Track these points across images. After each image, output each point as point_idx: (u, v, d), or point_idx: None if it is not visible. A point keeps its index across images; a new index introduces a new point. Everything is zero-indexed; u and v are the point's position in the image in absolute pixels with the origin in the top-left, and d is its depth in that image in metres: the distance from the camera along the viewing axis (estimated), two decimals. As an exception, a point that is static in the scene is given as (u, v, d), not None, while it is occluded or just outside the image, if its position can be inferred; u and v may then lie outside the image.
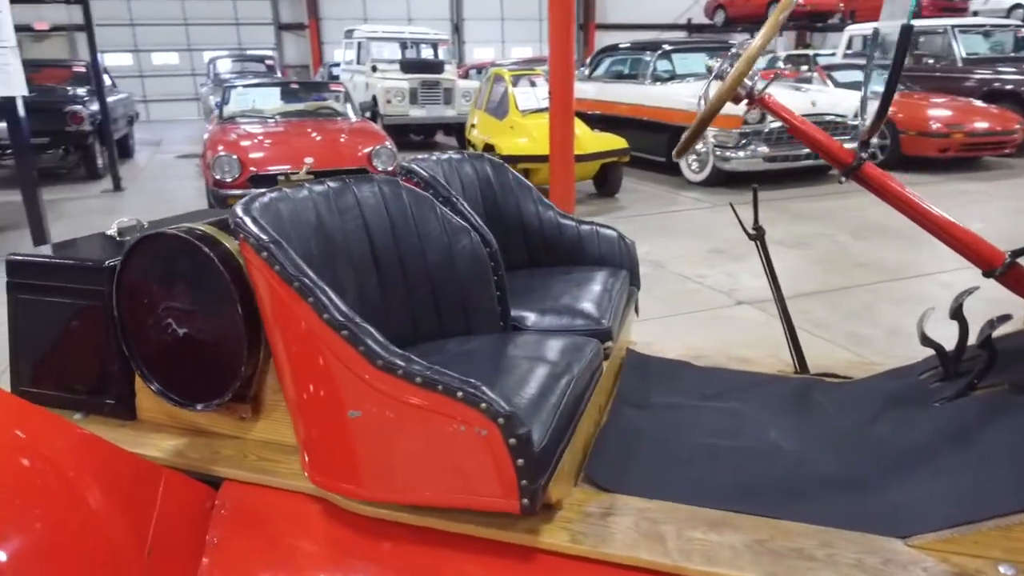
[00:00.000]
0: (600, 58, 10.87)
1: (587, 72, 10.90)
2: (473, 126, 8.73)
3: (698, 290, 5.07)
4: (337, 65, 15.28)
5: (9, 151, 9.78)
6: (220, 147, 6.41)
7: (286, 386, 1.32)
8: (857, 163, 1.70)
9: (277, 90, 7.95)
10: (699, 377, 2.00)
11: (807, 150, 8.00)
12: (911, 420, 1.66)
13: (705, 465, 1.53)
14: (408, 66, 12.04)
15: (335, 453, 1.29)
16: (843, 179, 1.73)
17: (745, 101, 1.74)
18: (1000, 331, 1.59)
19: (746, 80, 1.75)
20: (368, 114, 12.84)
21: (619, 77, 10.32)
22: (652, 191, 8.49)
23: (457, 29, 21.76)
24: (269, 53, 16.94)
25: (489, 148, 7.98)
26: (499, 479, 1.15)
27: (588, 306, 1.86)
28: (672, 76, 9.48)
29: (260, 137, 6.74)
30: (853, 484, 1.46)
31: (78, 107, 9.45)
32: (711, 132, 8.15)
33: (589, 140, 7.54)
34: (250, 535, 1.46)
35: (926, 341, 1.69)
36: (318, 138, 6.83)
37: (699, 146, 8.48)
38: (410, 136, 12.98)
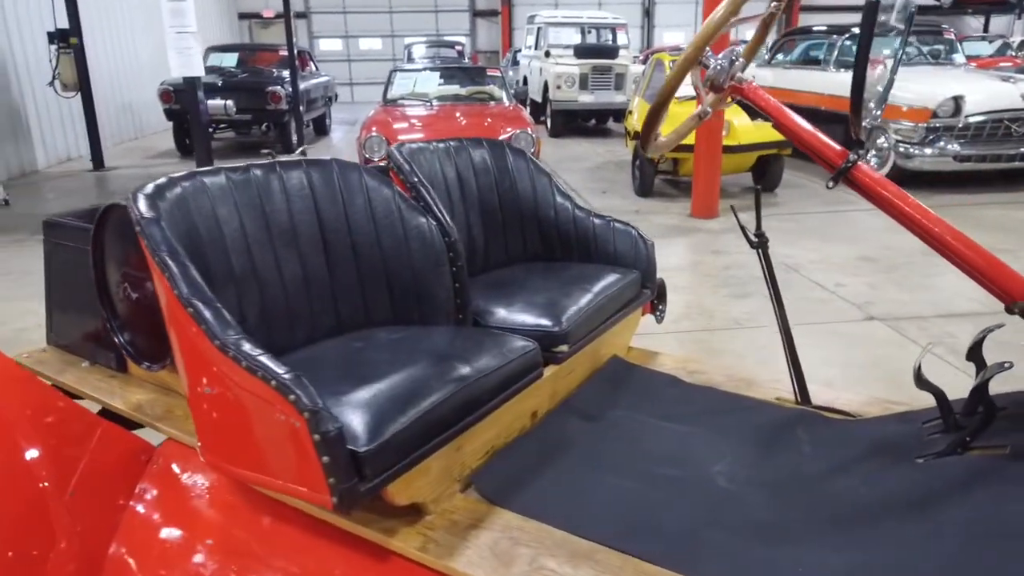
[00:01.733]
0: (782, 42, 10.12)
1: (767, 57, 10.20)
2: (631, 113, 8.53)
3: (828, 300, 4.60)
4: (519, 51, 15.59)
5: (222, 126, 11.13)
6: (373, 128, 6.82)
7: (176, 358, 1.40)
8: (847, 165, 1.45)
9: (437, 74, 8.28)
10: (678, 395, 1.82)
11: (1015, 150, 6.93)
12: (883, 473, 1.41)
13: (613, 492, 1.40)
14: (581, 51, 11.99)
15: (202, 424, 1.34)
16: (830, 183, 1.49)
17: (710, 89, 1.55)
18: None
19: (720, 62, 1.55)
20: (537, 99, 12.95)
21: (801, 63, 9.55)
22: (818, 188, 7.79)
23: (648, 13, 21.24)
24: (460, 39, 17.67)
25: (638, 136, 7.77)
26: (311, 472, 1.14)
27: (553, 307, 1.76)
28: (859, 62, 8.59)
29: (412, 120, 7.08)
30: (770, 538, 1.26)
31: (277, 87, 10.47)
32: (893, 126, 7.31)
33: (745, 130, 7.07)
34: (171, 492, 1.56)
35: (922, 384, 1.42)
36: (463, 121, 7.03)
37: (880, 140, 7.64)
38: (579, 121, 12.94)
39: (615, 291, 1.95)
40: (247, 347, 1.18)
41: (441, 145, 2.14)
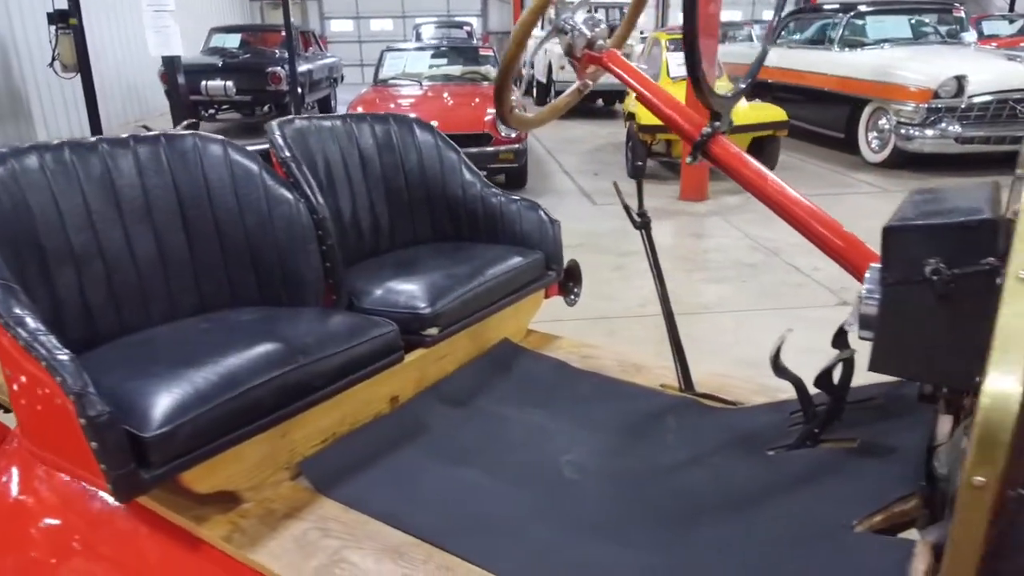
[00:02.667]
0: (788, 21, 9.86)
1: (773, 37, 9.95)
2: (628, 93, 8.38)
3: (803, 284, 4.47)
4: (528, 30, 15.38)
5: (224, 107, 11.14)
6: (359, 108, 6.76)
7: None
8: (704, 137, 1.37)
9: (428, 54, 8.17)
10: (559, 381, 1.75)
11: (1021, 132, 6.69)
12: (735, 466, 1.33)
13: (448, 483, 1.34)
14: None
15: (15, 406, 1.30)
16: (691, 159, 1.40)
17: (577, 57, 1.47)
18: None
19: (583, 30, 1.47)
20: (542, 80, 12.80)
21: (806, 43, 9.30)
22: (818, 170, 7.59)
23: (671, -10, 20.83)
24: (471, 20, 17.49)
25: (632, 116, 7.62)
26: (86, 457, 1.09)
27: (426, 288, 1.70)
28: (864, 42, 8.34)
29: (399, 99, 7.00)
30: (591, 535, 1.19)
31: (277, 68, 10.43)
32: (893, 106, 7.08)
33: (740, 110, 6.89)
34: (23, 473, 1.53)
35: (780, 371, 1.33)
36: (450, 102, 6.94)
37: (882, 121, 7.43)
38: (584, 102, 12.74)
39: (509, 274, 1.88)
40: (31, 324, 1.14)
41: (339, 123, 2.07)
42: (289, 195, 1.66)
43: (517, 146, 6.54)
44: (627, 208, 1.71)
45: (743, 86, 1.47)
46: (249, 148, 1.74)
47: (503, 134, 6.54)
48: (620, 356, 1.88)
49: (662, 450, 1.45)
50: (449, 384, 1.69)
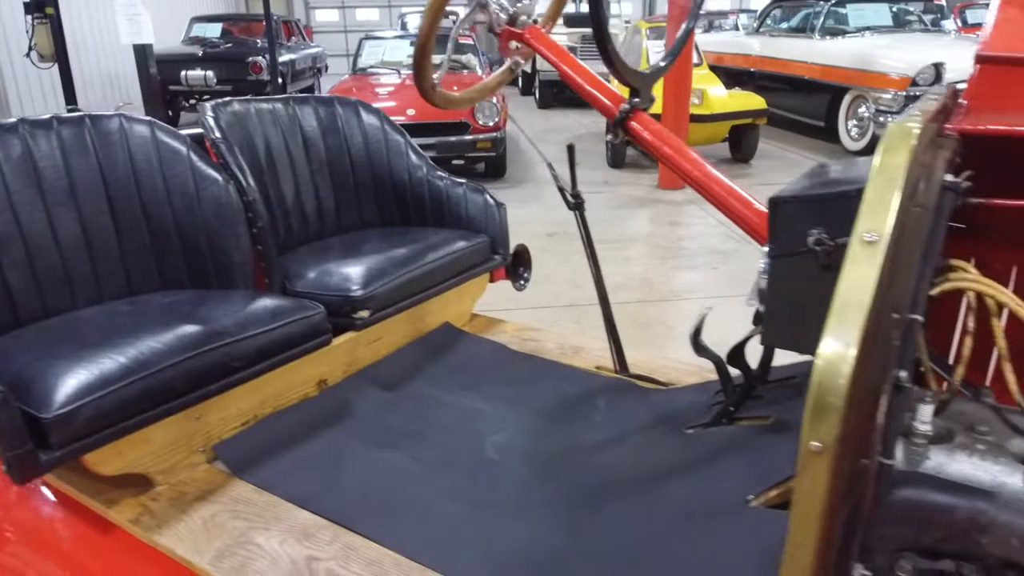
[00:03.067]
0: (771, 8, 9.84)
1: (755, 25, 9.93)
2: (610, 81, 8.35)
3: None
4: (514, 20, 15.30)
5: (205, 97, 11.04)
6: (335, 97, 6.71)
7: None
8: (623, 114, 1.35)
9: (407, 43, 8.12)
10: (497, 364, 1.74)
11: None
12: (655, 445, 1.32)
13: (367, 466, 1.33)
14: (570, 20, 11.72)
15: None
16: (609, 136, 1.39)
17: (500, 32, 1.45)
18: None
19: (504, 5, 1.45)
20: (527, 70, 12.75)
21: (788, 31, 9.28)
22: (797, 158, 7.59)
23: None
24: (456, 10, 17.36)
25: (612, 105, 7.59)
26: None
27: (358, 271, 1.68)
28: (846, 30, 8.33)
29: (376, 89, 6.95)
30: (502, 515, 1.19)
31: (258, 58, 10.35)
32: (872, 94, 7.08)
33: (719, 99, 6.88)
34: None
35: (700, 351, 1.32)
36: (428, 90, 6.88)
37: (861, 109, 7.43)
38: (569, 92, 12.71)
39: (450, 257, 1.86)
40: None
41: (280, 105, 2.04)
42: (217, 176, 1.64)
43: (495, 135, 6.51)
44: (562, 190, 1.69)
45: (663, 64, 1.45)
46: (184, 132, 1.72)
47: (481, 123, 6.51)
48: (561, 339, 1.87)
49: (588, 430, 1.44)
50: (382, 367, 1.67)
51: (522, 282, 2.19)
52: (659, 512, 1.08)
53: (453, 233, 1.99)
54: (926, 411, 0.88)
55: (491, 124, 6.46)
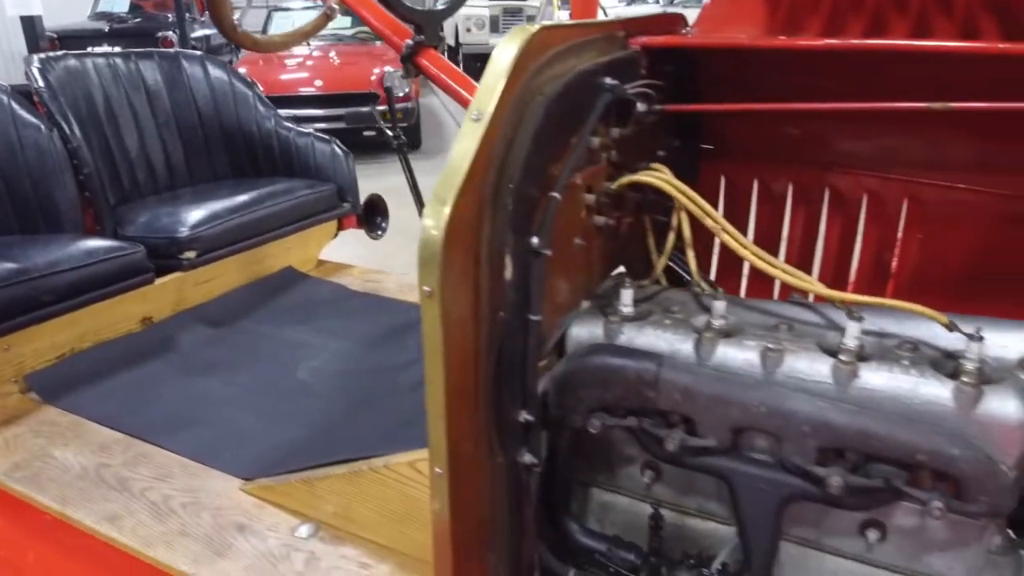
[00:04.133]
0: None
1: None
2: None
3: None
4: (438, -7, 15.18)
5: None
6: (242, 68, 6.61)
7: None
8: (408, 50, 1.43)
9: (315, 14, 8.01)
10: (332, 302, 1.82)
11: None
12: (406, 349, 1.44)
13: (179, 392, 1.40)
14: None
15: None
16: (402, 73, 1.47)
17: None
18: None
19: None
20: (451, 43, 12.72)
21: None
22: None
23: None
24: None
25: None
26: None
27: (189, 215, 1.73)
28: None
29: (284, 60, 6.87)
30: (293, 421, 1.27)
31: (168, 33, 10.05)
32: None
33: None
34: None
35: None
36: (337, 62, 6.85)
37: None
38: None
39: (288, 203, 1.92)
40: None
41: (121, 60, 2.06)
42: (37, 121, 1.66)
43: (407, 104, 6.52)
44: (384, 131, 1.77)
45: (444, 7, 1.52)
46: (5, 84, 1.74)
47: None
48: (401, 280, 1.96)
49: (401, 352, 1.53)
50: (212, 306, 1.73)
51: (379, 232, 2.26)
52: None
53: (300, 182, 2.04)
54: (626, 295, 0.99)
55: (401, 95, 6.47)
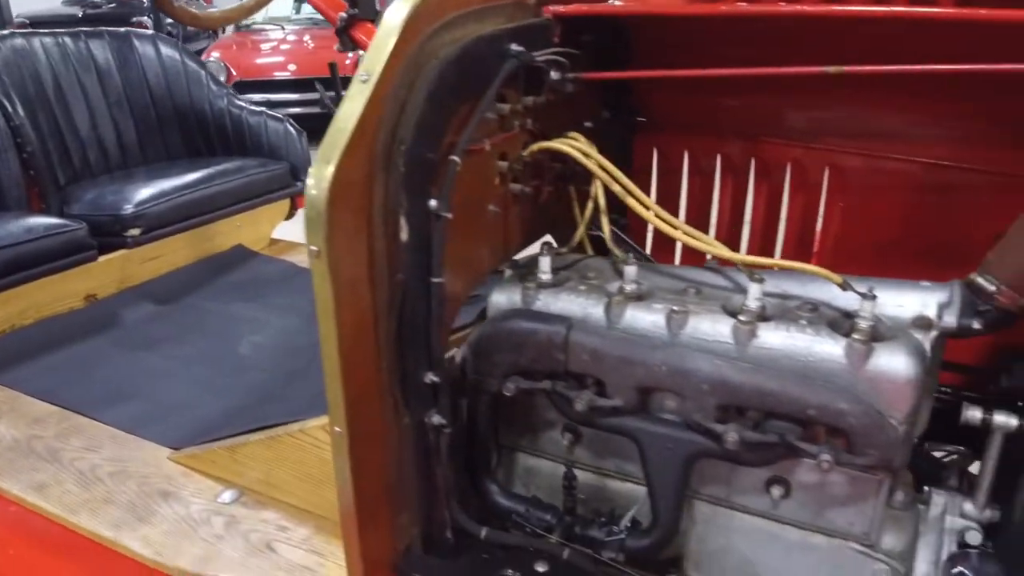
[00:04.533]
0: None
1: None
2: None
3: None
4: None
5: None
6: (213, 53, 6.56)
7: None
8: (344, 23, 1.43)
9: (291, -1, 7.94)
10: (281, 279, 1.83)
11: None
12: None
13: (118, 367, 1.41)
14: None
15: None
16: (338, 46, 1.47)
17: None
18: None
19: None
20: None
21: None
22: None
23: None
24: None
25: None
26: None
27: (135, 193, 1.73)
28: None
29: (259, 45, 6.82)
30: (223, 392, 1.28)
31: (144, 18, 9.94)
32: None
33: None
34: None
35: None
36: (310, 46, 6.80)
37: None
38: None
39: (239, 182, 1.92)
40: None
41: (69, 40, 2.04)
42: None
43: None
44: (327, 106, 1.77)
45: None
46: None
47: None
48: None
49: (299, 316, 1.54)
50: (158, 283, 1.73)
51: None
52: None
53: (252, 160, 2.04)
54: (544, 263, 1.01)
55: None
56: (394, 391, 0.82)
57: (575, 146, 0.98)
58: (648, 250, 1.42)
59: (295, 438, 0.98)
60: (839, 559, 0.92)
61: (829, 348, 0.81)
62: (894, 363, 0.79)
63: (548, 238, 1.15)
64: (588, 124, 1.21)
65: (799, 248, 1.28)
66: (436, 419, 0.86)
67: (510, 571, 0.84)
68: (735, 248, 1.36)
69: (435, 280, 0.80)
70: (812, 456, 0.80)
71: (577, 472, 1.06)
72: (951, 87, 1.02)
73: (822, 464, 0.79)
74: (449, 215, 0.80)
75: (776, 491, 0.91)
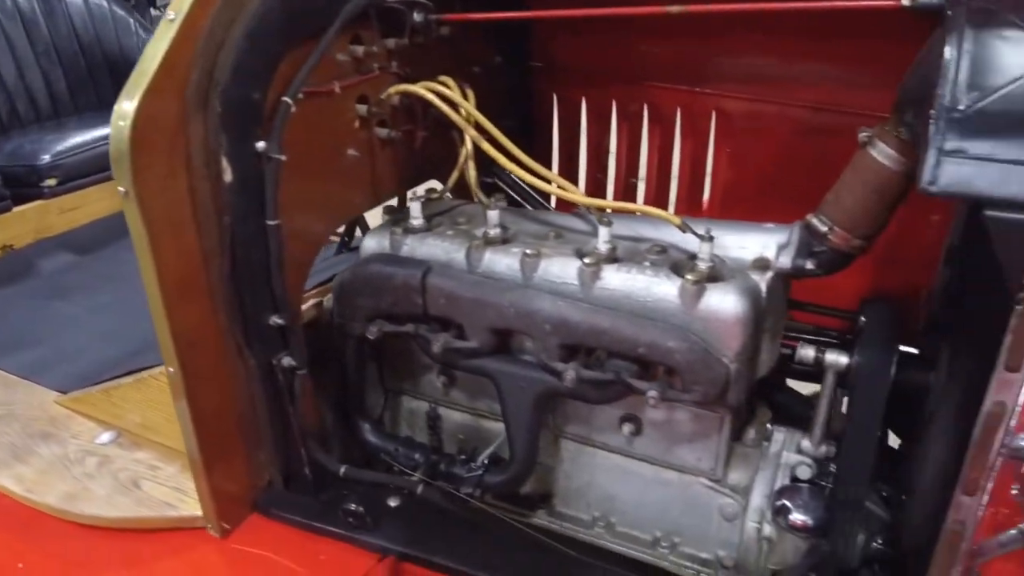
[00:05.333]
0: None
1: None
2: None
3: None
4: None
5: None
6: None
7: None
8: None
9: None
10: None
11: None
12: None
13: (34, 316, 1.42)
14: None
15: None
16: None
17: None
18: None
19: None
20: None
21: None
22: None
23: None
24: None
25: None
26: None
27: (54, 143, 1.73)
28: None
29: None
30: (134, 343, 1.30)
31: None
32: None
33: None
34: None
35: None
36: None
37: None
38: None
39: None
40: None
41: (-9, -15, 2.00)
42: None
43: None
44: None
45: None
46: None
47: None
48: None
49: None
50: (76, 234, 1.73)
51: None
52: None
53: None
54: (415, 208, 1.01)
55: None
56: (235, 333, 0.83)
57: (434, 89, 0.97)
58: (553, 197, 1.42)
59: (158, 380, 1.00)
60: (690, 494, 0.95)
61: (665, 289, 0.83)
62: (724, 303, 0.80)
63: (435, 183, 1.15)
64: (476, 69, 1.20)
65: (691, 193, 1.29)
66: (287, 361, 0.87)
67: (353, 505, 0.86)
68: (631, 196, 1.37)
69: (270, 222, 0.81)
70: (643, 393, 0.82)
71: (455, 413, 1.09)
72: (823, 29, 1.02)
73: (649, 400, 0.82)
74: (282, 157, 0.80)
75: (627, 428, 0.94)
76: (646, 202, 1.36)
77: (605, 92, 1.28)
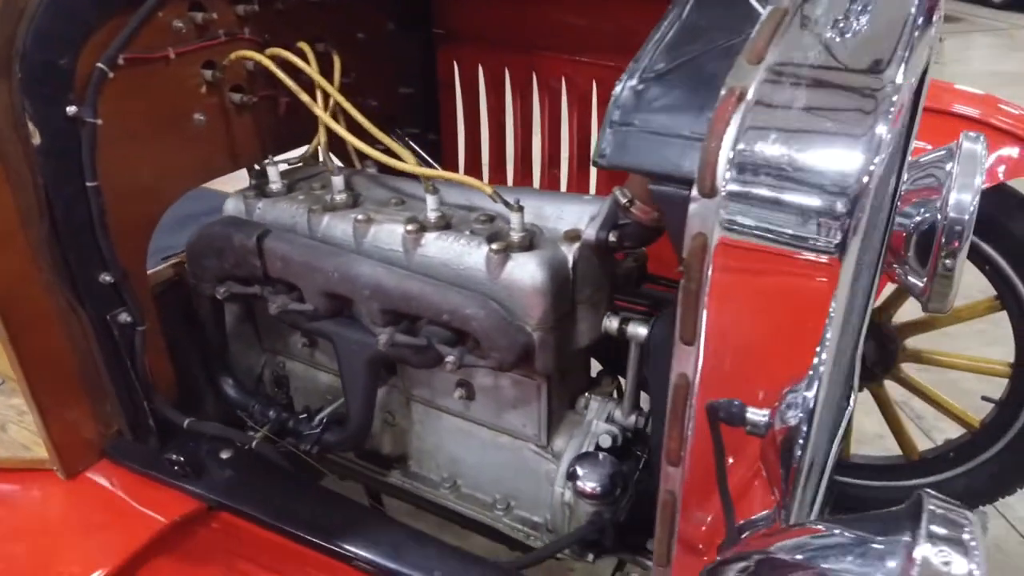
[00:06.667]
0: None
1: None
2: None
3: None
4: None
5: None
6: None
7: None
8: None
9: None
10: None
11: None
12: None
13: None
14: None
15: None
16: None
17: None
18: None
19: None
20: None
21: None
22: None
23: None
24: None
25: None
26: None
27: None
28: None
29: None
30: None
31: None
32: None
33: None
34: None
35: None
36: None
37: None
38: None
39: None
40: None
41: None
42: None
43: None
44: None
45: None
46: None
47: None
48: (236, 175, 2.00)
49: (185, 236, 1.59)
50: None
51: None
52: None
53: None
54: (273, 173, 1.04)
55: None
56: (63, 289, 0.87)
57: (276, 55, 0.99)
58: (461, 166, 1.43)
59: None
60: (520, 459, 0.98)
61: (475, 258, 0.84)
62: (525, 272, 0.82)
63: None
64: (360, 36, 1.21)
65: (581, 162, 1.29)
66: (123, 317, 0.92)
67: (174, 455, 0.91)
68: (528, 165, 1.37)
69: (90, 184, 0.84)
70: (443, 358, 0.85)
71: (321, 374, 1.13)
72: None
73: (446, 365, 0.84)
74: (98, 121, 0.83)
75: (458, 393, 0.96)
76: (540, 172, 1.36)
77: (499, 60, 1.28)
